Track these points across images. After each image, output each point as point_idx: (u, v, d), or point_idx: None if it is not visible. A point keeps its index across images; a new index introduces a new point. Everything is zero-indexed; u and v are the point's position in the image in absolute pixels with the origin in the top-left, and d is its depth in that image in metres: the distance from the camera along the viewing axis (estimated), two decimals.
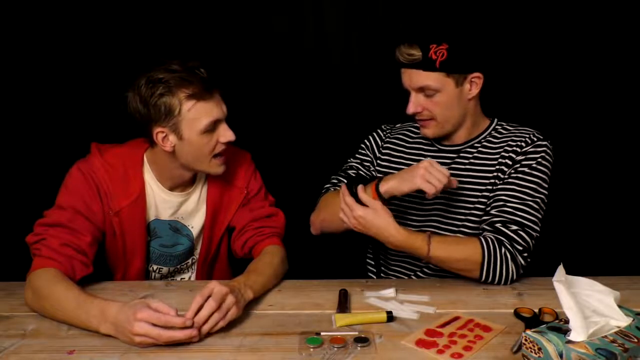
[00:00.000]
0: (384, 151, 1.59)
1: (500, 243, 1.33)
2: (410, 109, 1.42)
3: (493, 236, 1.34)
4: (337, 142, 1.79)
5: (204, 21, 2.03)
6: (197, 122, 1.30)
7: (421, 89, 1.39)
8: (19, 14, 1.97)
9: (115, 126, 1.53)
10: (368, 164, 1.59)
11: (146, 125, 1.32)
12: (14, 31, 1.98)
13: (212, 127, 1.32)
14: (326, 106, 2.13)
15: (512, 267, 1.33)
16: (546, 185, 1.41)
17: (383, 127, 1.64)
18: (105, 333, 1.09)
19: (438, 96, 1.39)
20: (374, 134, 1.63)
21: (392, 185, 1.31)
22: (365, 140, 1.63)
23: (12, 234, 1.44)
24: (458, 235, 1.45)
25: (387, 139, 1.60)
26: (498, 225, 1.36)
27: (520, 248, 1.34)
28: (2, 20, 1.97)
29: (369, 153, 1.60)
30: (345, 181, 1.51)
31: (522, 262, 1.35)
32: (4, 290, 1.34)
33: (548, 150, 1.42)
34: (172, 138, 1.32)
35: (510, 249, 1.33)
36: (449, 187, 1.30)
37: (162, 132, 1.31)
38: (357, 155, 1.62)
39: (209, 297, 1.10)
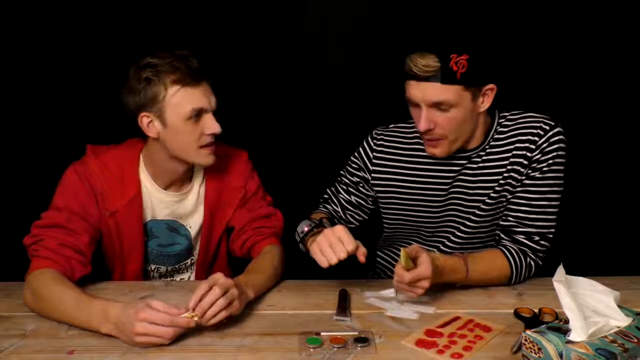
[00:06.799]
0: (377, 155, 1.49)
1: (525, 254, 1.35)
2: (423, 125, 1.28)
3: (517, 247, 1.35)
4: (336, 142, 1.78)
5: (203, 22, 2.03)
6: (181, 108, 1.30)
7: (436, 104, 1.26)
8: (13, 16, 1.96)
9: (111, 128, 1.53)
10: (358, 178, 1.53)
11: (135, 114, 1.32)
12: (8, 33, 1.97)
13: (196, 116, 1.31)
14: (325, 105, 2.13)
15: (533, 271, 1.37)
16: (563, 181, 1.36)
17: (375, 133, 1.52)
18: (106, 333, 1.09)
19: (453, 111, 1.26)
20: (364, 143, 1.52)
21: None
22: (355, 153, 1.54)
23: (11, 234, 1.44)
24: (475, 245, 1.45)
25: (381, 143, 1.49)
26: (521, 237, 1.36)
27: (541, 255, 1.38)
28: None
29: (359, 163, 1.52)
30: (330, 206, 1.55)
31: (540, 262, 1.38)
32: (3, 290, 1.34)
33: (563, 137, 1.33)
34: (157, 124, 1.32)
35: (534, 257, 1.37)
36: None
37: (148, 117, 1.31)
38: (348, 167, 1.55)
39: (212, 287, 1.10)
